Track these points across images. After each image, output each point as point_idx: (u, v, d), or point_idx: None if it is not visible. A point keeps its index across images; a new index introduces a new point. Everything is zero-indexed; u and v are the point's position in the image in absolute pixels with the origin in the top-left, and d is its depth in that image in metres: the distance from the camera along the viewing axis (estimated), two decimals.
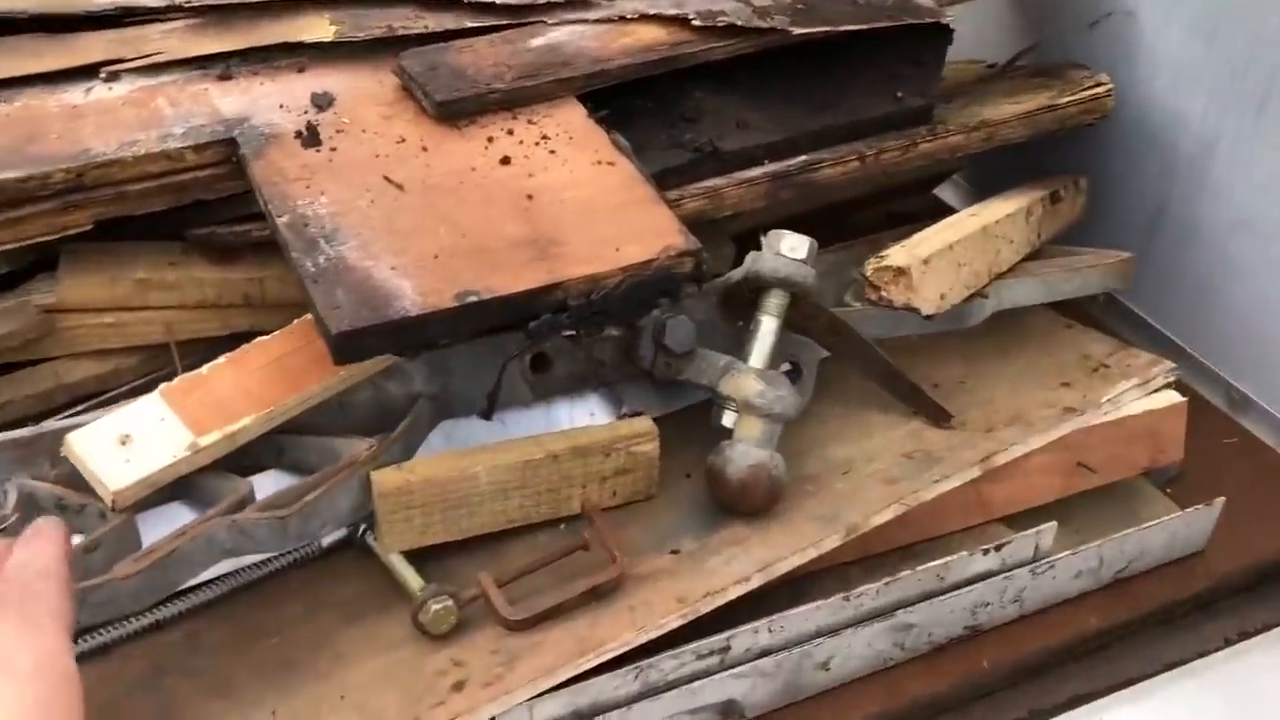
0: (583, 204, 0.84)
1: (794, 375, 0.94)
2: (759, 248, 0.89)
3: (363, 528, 0.82)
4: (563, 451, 0.82)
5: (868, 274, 0.86)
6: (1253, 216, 1.06)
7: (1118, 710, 0.88)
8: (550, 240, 0.80)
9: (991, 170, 1.15)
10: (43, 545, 0.53)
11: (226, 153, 0.87)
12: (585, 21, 0.98)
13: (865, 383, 0.96)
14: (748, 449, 0.84)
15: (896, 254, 0.86)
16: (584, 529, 0.82)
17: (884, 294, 0.85)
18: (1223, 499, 0.93)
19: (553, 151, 0.88)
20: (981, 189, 1.31)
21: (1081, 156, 1.17)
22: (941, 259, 0.88)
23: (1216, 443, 1.06)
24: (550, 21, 0.99)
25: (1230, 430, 1.08)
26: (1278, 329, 1.06)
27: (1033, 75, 1.16)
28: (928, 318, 0.87)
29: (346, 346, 0.73)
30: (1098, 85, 1.07)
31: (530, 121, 0.91)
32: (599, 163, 0.87)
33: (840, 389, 0.97)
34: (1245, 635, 0.92)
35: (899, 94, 1.03)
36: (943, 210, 1.32)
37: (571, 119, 0.91)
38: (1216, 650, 0.91)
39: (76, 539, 0.77)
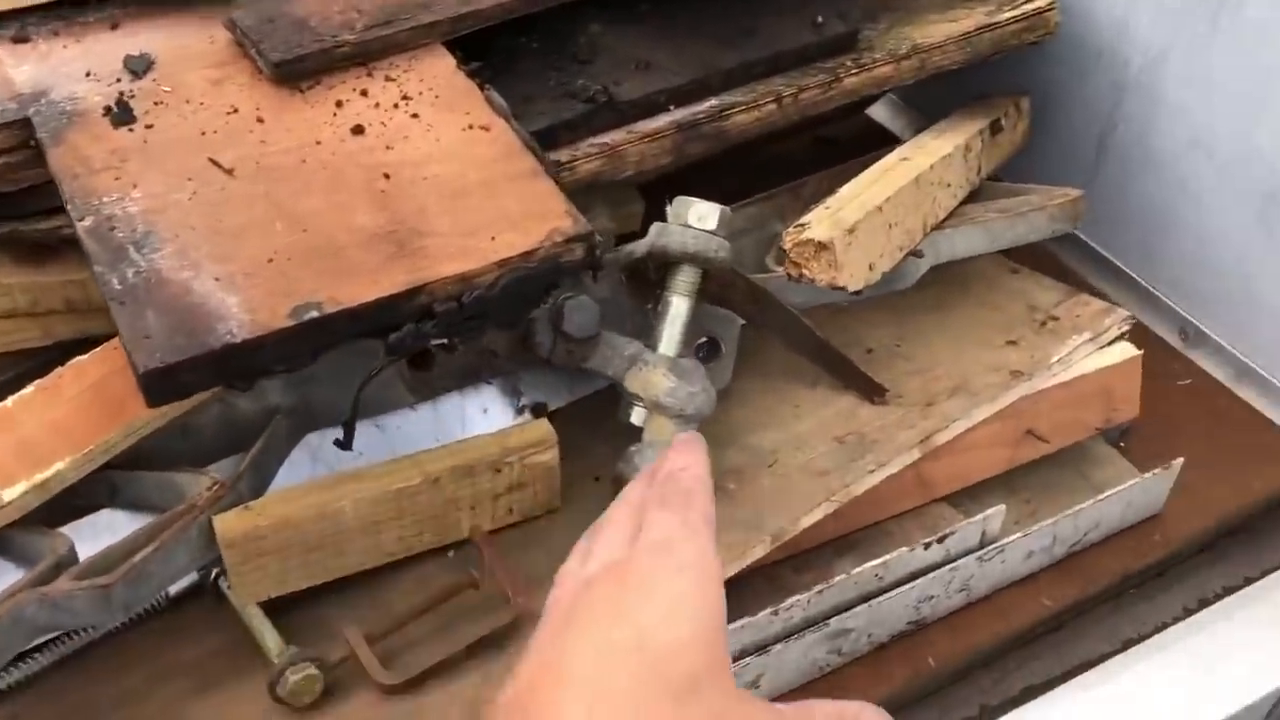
0: (451, 182, 0.67)
1: (711, 352, 0.80)
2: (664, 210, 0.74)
3: (215, 571, 0.67)
4: (444, 473, 0.67)
5: (786, 249, 0.71)
6: (1207, 136, 0.92)
7: (1075, 696, 0.77)
8: (412, 231, 0.64)
9: (926, 85, 0.98)
10: (694, 455, 0.54)
11: (22, 136, 0.69)
12: None
13: (792, 355, 0.82)
14: (658, 455, 0.70)
15: (818, 224, 0.71)
16: (472, 563, 0.68)
17: (805, 272, 0.70)
18: (1181, 460, 0.81)
19: (415, 115, 0.71)
20: (915, 106, 1.16)
21: (1022, 70, 1.01)
22: (869, 224, 0.73)
23: (1171, 386, 0.94)
24: None
25: (1184, 370, 0.96)
26: (1233, 258, 0.93)
27: None
28: (856, 293, 0.73)
29: (159, 385, 0.57)
30: None
31: (388, 78, 0.73)
32: (470, 127, 0.71)
33: (765, 363, 0.82)
34: (1205, 603, 0.82)
35: (818, 19, 0.86)
36: (874, 133, 1.17)
37: (438, 72, 0.74)
38: (1175, 622, 0.81)
39: None
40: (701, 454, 0.55)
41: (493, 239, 0.64)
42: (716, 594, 0.47)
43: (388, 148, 0.69)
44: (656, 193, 0.85)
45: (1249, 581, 0.83)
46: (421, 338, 0.62)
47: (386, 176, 0.67)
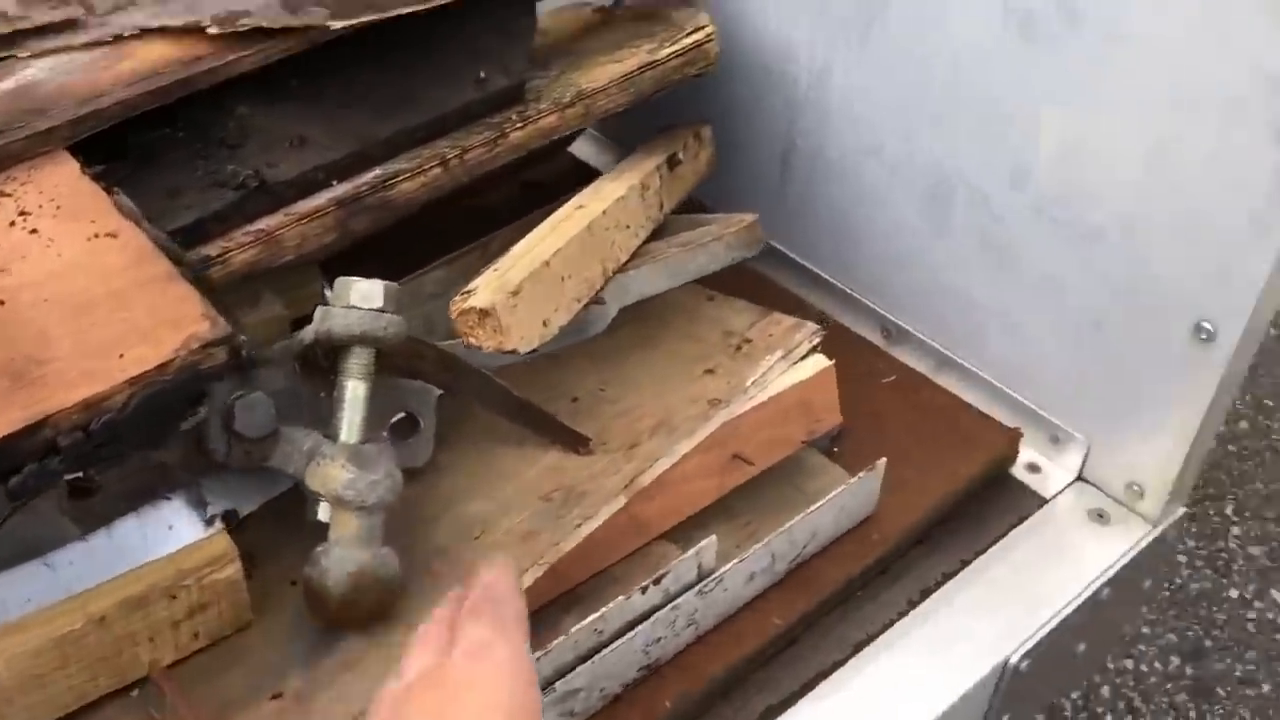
0: (75, 298, 0.62)
1: (409, 427, 0.77)
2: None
3: None
4: (110, 609, 0.62)
5: (453, 317, 0.69)
6: (879, 143, 0.95)
7: (814, 708, 0.78)
8: (29, 360, 0.59)
9: (621, 118, 0.98)
10: (502, 572, 0.58)
11: None
12: (71, 49, 0.74)
13: (498, 418, 0.80)
14: (345, 553, 0.66)
15: (483, 289, 0.69)
16: (155, 702, 0.63)
17: (473, 340, 0.69)
18: (884, 460, 0.83)
19: (34, 231, 0.66)
20: (615, 138, 1.16)
21: (703, 97, 1.03)
22: (537, 281, 0.71)
23: (875, 385, 0.97)
24: (23, 55, 0.74)
25: (889, 368, 0.99)
26: (915, 254, 0.97)
27: (638, 19, 0.99)
28: (532, 352, 0.72)
29: None
30: (698, 30, 0.92)
31: (3, 194, 0.68)
32: (96, 236, 0.66)
33: (471, 430, 0.80)
34: (927, 593, 0.84)
35: (481, 75, 0.84)
36: (581, 170, 1.17)
37: (59, 180, 0.69)
38: (901, 616, 0.83)
39: None
40: (508, 568, 0.59)
41: (122, 356, 0.60)
42: (531, 693, 0.52)
43: (2, 271, 0.63)
44: (343, 269, 0.82)
45: (965, 564, 0.86)
46: (47, 476, 0.57)
47: (1, 303, 0.62)
